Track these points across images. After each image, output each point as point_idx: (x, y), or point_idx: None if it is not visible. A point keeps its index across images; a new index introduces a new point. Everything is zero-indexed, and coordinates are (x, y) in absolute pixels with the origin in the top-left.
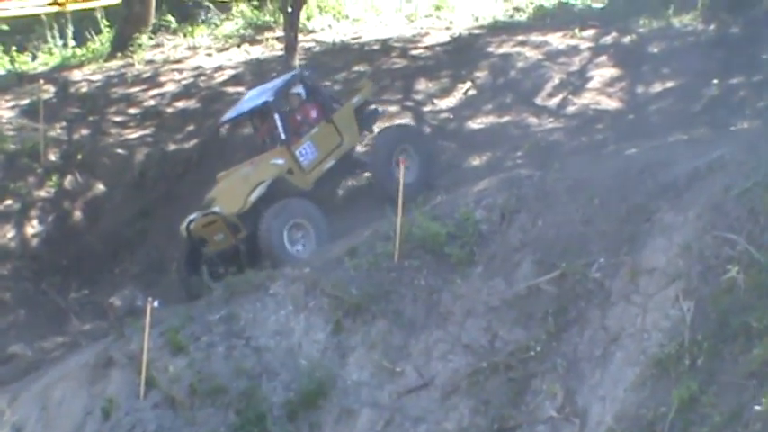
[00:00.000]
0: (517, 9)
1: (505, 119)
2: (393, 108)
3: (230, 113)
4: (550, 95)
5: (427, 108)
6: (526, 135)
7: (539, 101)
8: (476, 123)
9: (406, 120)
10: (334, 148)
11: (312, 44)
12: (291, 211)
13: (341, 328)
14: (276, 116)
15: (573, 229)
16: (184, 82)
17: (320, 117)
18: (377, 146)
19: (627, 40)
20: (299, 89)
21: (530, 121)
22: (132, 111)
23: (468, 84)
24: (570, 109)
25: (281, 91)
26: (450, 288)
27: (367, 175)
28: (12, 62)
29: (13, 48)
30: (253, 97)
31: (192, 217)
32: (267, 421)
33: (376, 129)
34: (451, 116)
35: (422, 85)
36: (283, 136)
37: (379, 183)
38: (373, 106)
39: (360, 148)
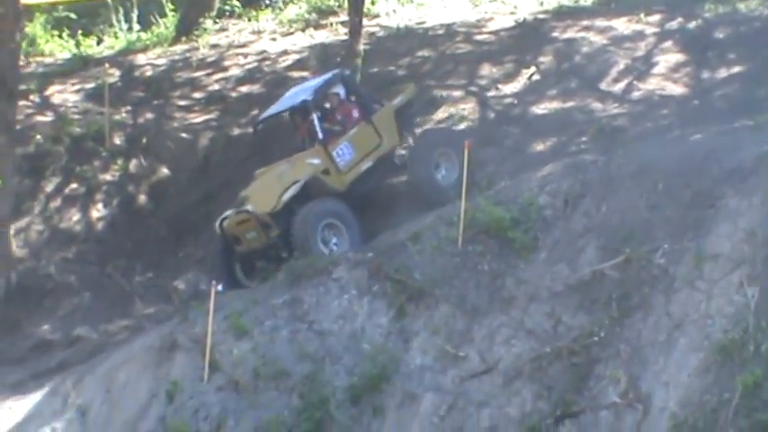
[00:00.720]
0: None
1: (570, 104)
2: (457, 93)
3: (269, 111)
4: (615, 81)
5: (491, 93)
6: (591, 120)
7: (603, 86)
8: (540, 109)
9: (466, 104)
10: (373, 149)
11: (376, 29)
12: (324, 211)
13: (404, 313)
14: (314, 115)
15: (637, 215)
16: (248, 66)
17: (359, 117)
18: (417, 148)
19: (692, 25)
20: (339, 89)
21: (594, 106)
22: (196, 95)
23: (533, 69)
24: (635, 94)
25: (320, 90)
26: (514, 273)
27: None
28: (77, 46)
29: (79, 31)
30: (292, 95)
31: (225, 214)
32: (330, 405)
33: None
34: (515, 101)
35: (486, 70)
36: (320, 135)
37: (418, 185)
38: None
39: (400, 151)
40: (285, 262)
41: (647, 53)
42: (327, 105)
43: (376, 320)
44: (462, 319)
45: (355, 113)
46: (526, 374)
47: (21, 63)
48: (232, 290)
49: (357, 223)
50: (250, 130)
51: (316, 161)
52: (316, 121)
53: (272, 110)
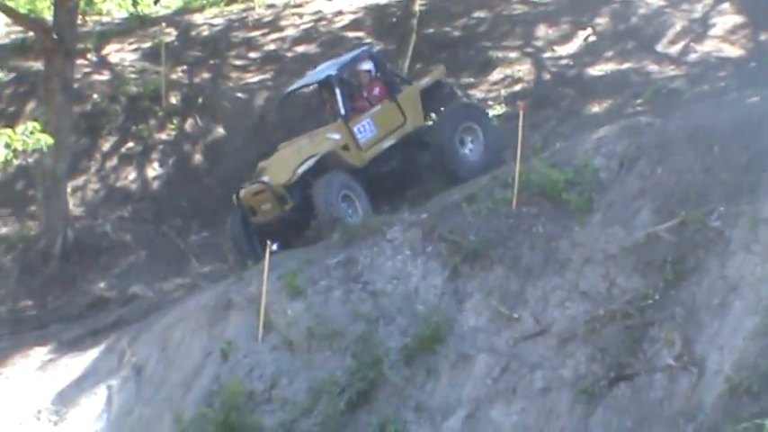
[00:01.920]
0: None
1: (626, 66)
2: (513, 54)
3: (295, 85)
4: (672, 42)
5: (547, 54)
6: (647, 82)
7: (660, 48)
8: (596, 70)
9: (522, 66)
10: (396, 127)
11: None
12: (341, 183)
13: (458, 274)
14: (337, 90)
15: (693, 178)
16: (304, 26)
17: (385, 95)
18: (441, 124)
19: None
20: (369, 65)
21: (651, 68)
22: (253, 55)
23: (589, 30)
24: (692, 56)
25: (346, 66)
26: (569, 235)
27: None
28: (134, 5)
29: None
30: (320, 70)
31: (243, 185)
32: (384, 365)
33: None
34: (571, 63)
35: (542, 31)
36: (342, 111)
37: (443, 161)
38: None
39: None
40: (298, 236)
41: (704, 15)
42: (355, 82)
43: (430, 281)
44: (516, 280)
45: (382, 91)
46: (580, 337)
47: (78, 22)
48: (251, 259)
49: (367, 198)
50: (305, 90)
51: (336, 136)
52: (338, 97)
53: (298, 84)
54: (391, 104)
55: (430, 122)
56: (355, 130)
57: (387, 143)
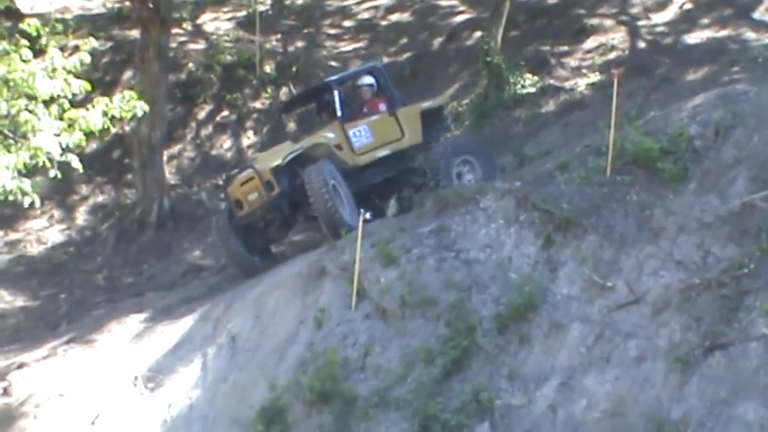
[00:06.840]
0: None
1: (722, 33)
2: (608, 22)
3: (294, 95)
4: None
5: (642, 22)
6: (743, 50)
7: (757, 15)
8: (692, 38)
9: (616, 34)
10: (393, 140)
11: None
12: (330, 171)
13: (551, 243)
14: (335, 94)
15: None
16: None
17: (384, 109)
18: (438, 155)
19: None
20: (371, 80)
21: (747, 35)
22: (346, 23)
23: None
24: None
25: (348, 76)
26: (663, 204)
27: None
28: None
29: None
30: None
31: (231, 173)
32: (477, 333)
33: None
34: (667, 30)
35: None
36: (339, 113)
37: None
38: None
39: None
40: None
41: None
42: (359, 93)
43: (523, 250)
44: (610, 249)
45: (383, 106)
46: (675, 306)
47: None
48: (242, 262)
49: (354, 200)
50: (399, 58)
51: (330, 135)
52: (336, 100)
53: (297, 94)
54: (390, 117)
55: (428, 148)
56: (351, 133)
57: (381, 153)
